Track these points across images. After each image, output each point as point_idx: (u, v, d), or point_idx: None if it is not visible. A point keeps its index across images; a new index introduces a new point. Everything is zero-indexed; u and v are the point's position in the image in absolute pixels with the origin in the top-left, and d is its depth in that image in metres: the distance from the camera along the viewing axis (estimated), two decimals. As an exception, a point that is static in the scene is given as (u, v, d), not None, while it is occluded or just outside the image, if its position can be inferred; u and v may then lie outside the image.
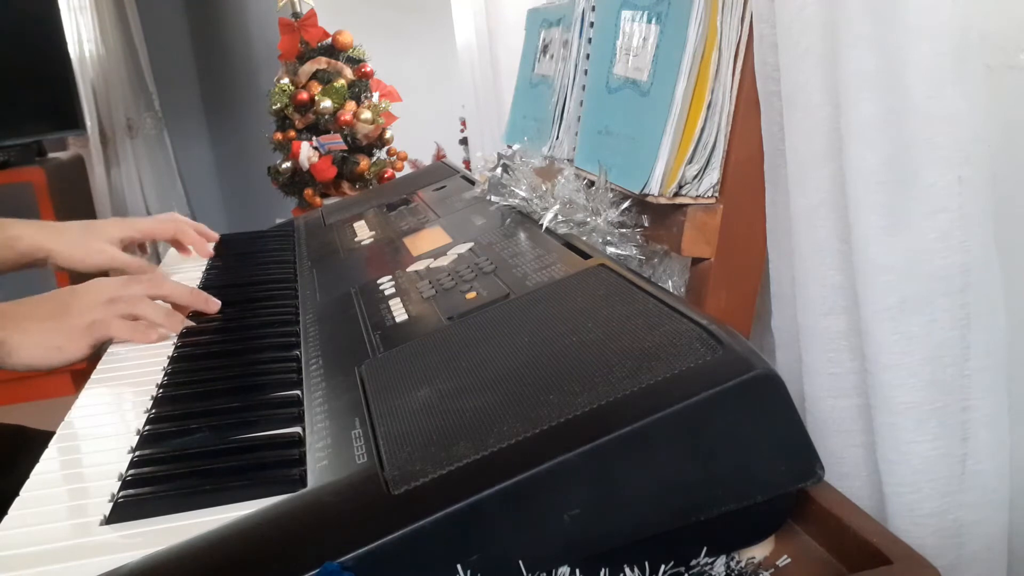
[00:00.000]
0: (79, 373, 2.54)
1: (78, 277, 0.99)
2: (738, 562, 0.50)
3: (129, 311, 0.86)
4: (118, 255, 1.06)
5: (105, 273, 1.03)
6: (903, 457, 0.60)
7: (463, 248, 0.89)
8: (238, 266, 1.12)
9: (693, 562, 0.49)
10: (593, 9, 0.96)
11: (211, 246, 1.19)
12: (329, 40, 2.22)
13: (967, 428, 0.60)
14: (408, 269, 0.89)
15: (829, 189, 0.65)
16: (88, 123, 3.23)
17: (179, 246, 1.20)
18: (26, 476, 0.62)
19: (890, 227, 0.59)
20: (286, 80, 2.22)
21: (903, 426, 0.60)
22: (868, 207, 0.59)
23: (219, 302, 0.92)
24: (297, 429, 0.64)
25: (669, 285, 0.83)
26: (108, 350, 0.88)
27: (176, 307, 0.91)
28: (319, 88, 2.16)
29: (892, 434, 0.61)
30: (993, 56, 0.57)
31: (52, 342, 0.82)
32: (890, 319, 0.59)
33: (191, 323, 0.88)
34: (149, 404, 0.71)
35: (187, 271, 1.14)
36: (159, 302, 0.89)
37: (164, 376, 0.77)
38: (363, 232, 1.14)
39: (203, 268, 1.14)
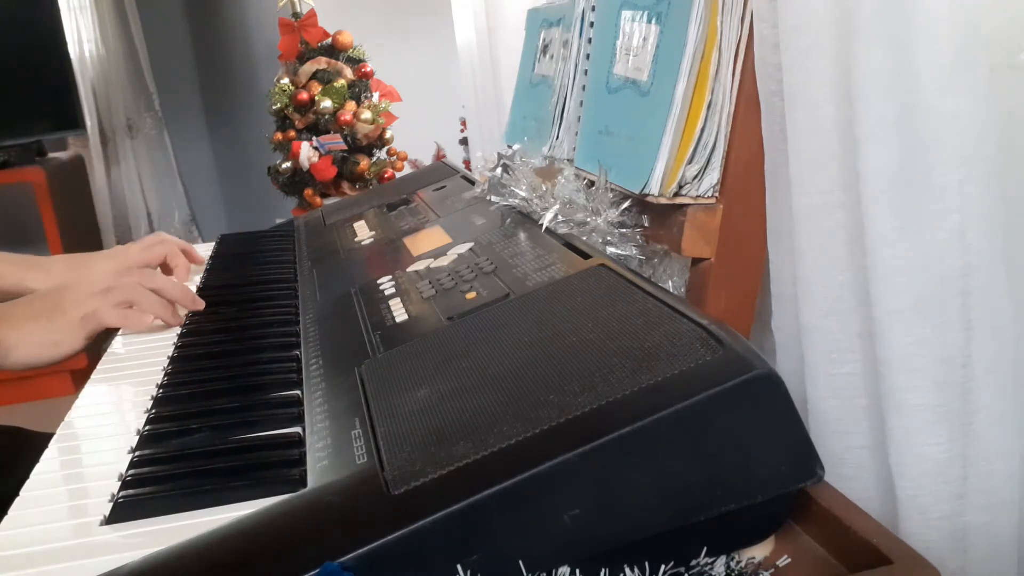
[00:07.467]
0: (79, 373, 2.54)
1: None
2: (738, 562, 0.50)
3: (123, 300, 0.87)
4: None
5: None
6: (915, 460, 0.60)
7: (463, 248, 0.89)
8: (238, 266, 1.12)
9: (693, 562, 0.49)
10: (593, 9, 0.96)
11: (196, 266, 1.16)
12: (329, 40, 2.23)
13: (977, 430, 0.59)
14: (408, 269, 0.89)
15: (833, 188, 0.65)
16: (88, 123, 3.23)
17: (165, 269, 1.13)
18: (26, 476, 0.62)
19: (904, 228, 0.58)
20: (286, 80, 2.22)
21: (915, 429, 0.60)
22: (882, 208, 0.59)
23: (203, 303, 0.92)
24: (297, 429, 0.64)
25: (669, 285, 0.83)
26: (108, 350, 0.88)
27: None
28: (319, 88, 2.17)
29: (904, 437, 0.60)
30: (993, 56, 0.57)
31: (47, 338, 0.83)
32: (902, 321, 0.59)
33: (182, 315, 0.90)
34: (149, 404, 0.71)
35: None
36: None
37: (164, 376, 0.77)
38: (363, 232, 1.14)
39: (203, 268, 1.14)
